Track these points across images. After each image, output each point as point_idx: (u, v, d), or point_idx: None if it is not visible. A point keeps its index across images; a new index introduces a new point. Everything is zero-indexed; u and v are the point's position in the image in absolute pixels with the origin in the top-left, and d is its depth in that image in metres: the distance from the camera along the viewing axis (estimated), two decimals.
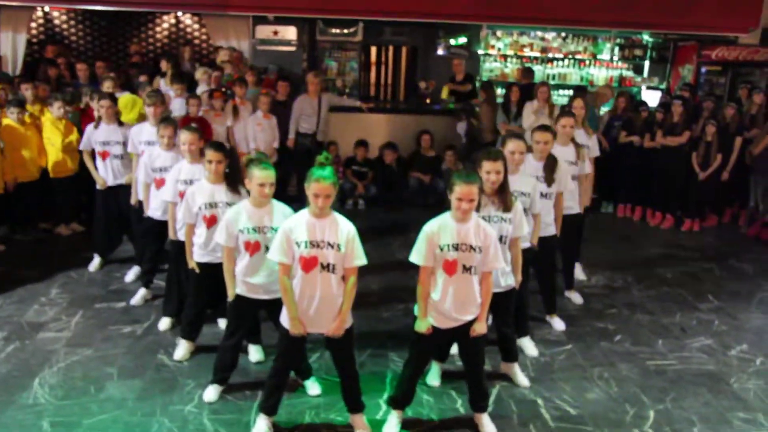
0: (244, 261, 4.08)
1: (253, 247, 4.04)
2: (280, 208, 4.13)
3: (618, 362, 5.06)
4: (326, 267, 3.69)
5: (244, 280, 4.12)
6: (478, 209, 4.08)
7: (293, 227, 3.70)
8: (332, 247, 3.67)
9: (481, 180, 4.09)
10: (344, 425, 4.11)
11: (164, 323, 5.32)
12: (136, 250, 6.34)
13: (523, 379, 4.68)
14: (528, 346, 5.16)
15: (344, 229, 3.71)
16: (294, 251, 3.69)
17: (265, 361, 4.79)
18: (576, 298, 6.16)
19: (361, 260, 3.75)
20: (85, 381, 4.50)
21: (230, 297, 4.19)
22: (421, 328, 3.88)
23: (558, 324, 5.60)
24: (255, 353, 4.84)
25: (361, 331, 5.08)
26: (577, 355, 5.16)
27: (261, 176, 3.97)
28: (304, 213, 3.74)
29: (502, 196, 4.16)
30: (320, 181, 3.60)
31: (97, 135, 6.37)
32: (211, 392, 4.34)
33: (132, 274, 6.29)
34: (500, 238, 4.14)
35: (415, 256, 3.83)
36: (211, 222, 4.56)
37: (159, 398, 4.33)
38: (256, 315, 4.48)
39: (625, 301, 6.26)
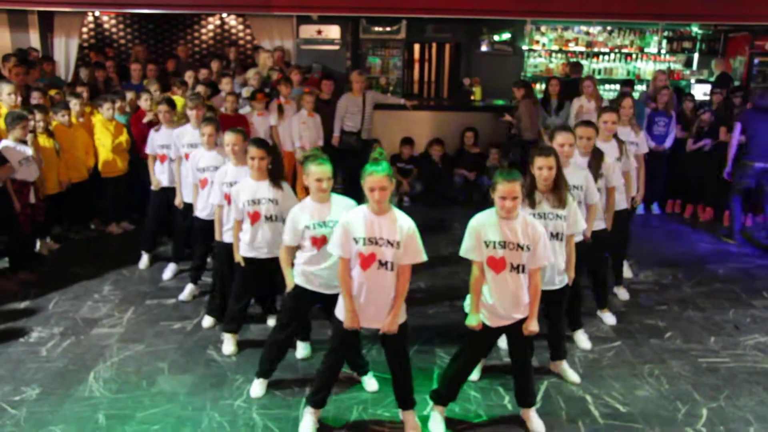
0: (311, 253, 4.07)
1: (321, 242, 4.04)
2: (341, 201, 4.13)
3: (669, 359, 4.96)
4: (384, 264, 3.67)
5: (306, 270, 4.12)
6: (533, 206, 4.06)
7: (351, 222, 3.69)
8: (391, 244, 3.65)
9: (533, 177, 4.07)
10: (392, 421, 4.11)
11: (207, 321, 5.38)
12: (174, 248, 6.47)
13: (573, 376, 4.62)
14: (581, 339, 5.11)
15: (404, 226, 3.69)
16: (352, 247, 3.69)
17: (311, 357, 4.83)
18: (623, 294, 6.06)
19: (421, 257, 3.72)
20: (138, 375, 4.60)
21: (288, 287, 4.20)
22: (471, 322, 3.85)
23: (609, 319, 5.53)
24: (302, 350, 4.87)
25: None
26: (627, 351, 5.07)
27: (317, 172, 3.98)
28: (363, 209, 3.73)
29: (557, 192, 4.11)
30: (373, 174, 3.59)
31: (158, 138, 6.50)
32: (257, 388, 4.38)
33: (169, 271, 6.39)
34: (556, 236, 4.11)
35: (465, 251, 3.81)
36: (255, 218, 4.61)
37: (209, 393, 4.40)
38: (309, 311, 4.50)
39: (675, 297, 6.13)
